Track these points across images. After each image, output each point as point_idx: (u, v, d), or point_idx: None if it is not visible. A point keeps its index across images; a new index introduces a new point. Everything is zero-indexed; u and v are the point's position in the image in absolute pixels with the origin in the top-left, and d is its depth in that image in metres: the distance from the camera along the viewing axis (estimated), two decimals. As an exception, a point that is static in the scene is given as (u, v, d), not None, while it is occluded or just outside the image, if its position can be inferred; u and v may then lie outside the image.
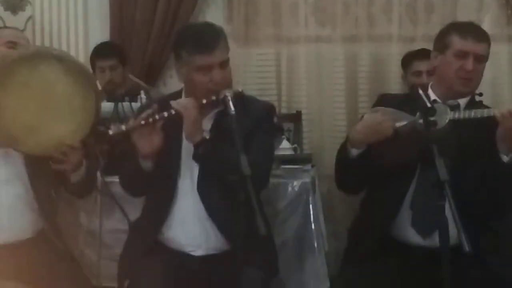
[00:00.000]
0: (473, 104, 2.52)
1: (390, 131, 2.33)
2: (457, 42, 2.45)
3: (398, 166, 2.39)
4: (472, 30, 2.48)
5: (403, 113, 2.39)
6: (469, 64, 2.41)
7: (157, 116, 2.34)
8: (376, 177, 2.44)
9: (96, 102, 2.46)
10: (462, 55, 2.43)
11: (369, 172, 2.43)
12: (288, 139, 3.32)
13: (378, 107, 2.47)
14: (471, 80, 2.44)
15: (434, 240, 2.21)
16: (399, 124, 2.36)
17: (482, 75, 2.50)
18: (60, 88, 2.41)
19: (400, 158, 2.37)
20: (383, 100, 2.61)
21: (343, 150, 2.48)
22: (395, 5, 3.84)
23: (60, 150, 2.43)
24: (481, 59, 2.45)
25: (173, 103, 2.37)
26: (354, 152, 2.41)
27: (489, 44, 2.49)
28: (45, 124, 2.42)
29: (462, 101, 2.48)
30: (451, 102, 2.41)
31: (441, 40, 2.52)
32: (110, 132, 2.40)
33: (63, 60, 2.46)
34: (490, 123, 2.29)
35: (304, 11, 3.90)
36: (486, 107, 2.55)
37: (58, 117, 2.42)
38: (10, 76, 2.40)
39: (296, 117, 3.65)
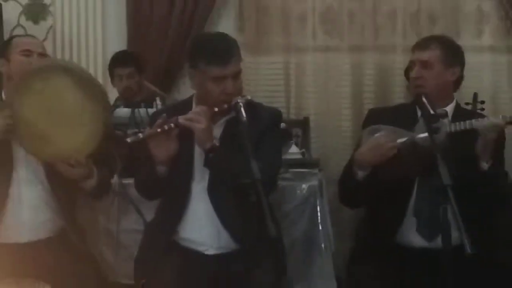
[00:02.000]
0: (458, 110, 2.57)
1: (394, 151, 2.35)
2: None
3: (400, 179, 2.40)
4: (418, 42, 2.59)
5: (398, 129, 2.42)
6: (414, 72, 2.52)
7: (172, 124, 2.34)
8: (380, 192, 2.45)
9: (104, 116, 2.45)
10: (412, 65, 2.55)
11: (374, 190, 2.45)
12: (296, 144, 3.31)
13: (375, 126, 2.47)
14: (419, 85, 2.49)
15: (438, 243, 2.20)
16: (399, 140, 2.37)
17: (440, 77, 2.50)
18: (70, 98, 2.40)
19: (402, 172, 2.38)
20: (374, 116, 2.63)
21: (348, 171, 2.49)
22: (400, 16, 3.85)
23: (68, 161, 2.43)
24: (426, 65, 2.49)
25: (185, 116, 2.36)
26: (361, 174, 2.42)
27: (438, 48, 2.51)
28: (56, 135, 2.42)
29: (449, 108, 2.52)
30: (440, 110, 2.40)
31: None
32: (128, 140, 2.40)
33: (71, 71, 2.46)
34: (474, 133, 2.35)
35: (312, 21, 3.91)
36: (480, 114, 2.56)
37: (68, 128, 2.42)
38: (25, 88, 2.42)
39: (304, 123, 3.65)
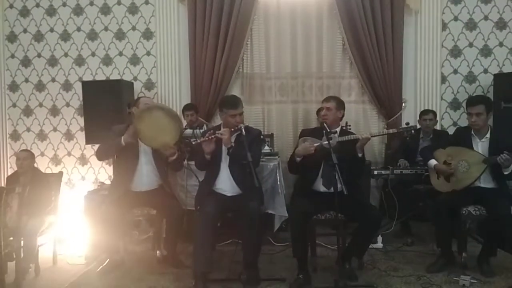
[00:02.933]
0: (343, 131, 2.51)
1: (313, 150, 2.33)
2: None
3: (315, 161, 2.38)
4: (325, 98, 2.50)
5: (315, 139, 2.40)
6: (322, 112, 2.45)
7: (212, 136, 2.34)
8: (306, 166, 2.43)
9: (179, 128, 2.43)
10: (321, 109, 2.48)
11: (303, 166, 2.42)
12: (267, 145, 3.30)
13: (305, 137, 2.44)
14: (326, 119, 2.43)
15: (332, 189, 2.21)
16: (316, 144, 2.36)
17: (334, 115, 2.43)
18: (164, 121, 2.39)
19: (316, 158, 2.36)
20: (304, 132, 2.59)
21: (292, 158, 2.46)
22: (313, 87, 3.81)
23: (164, 148, 2.43)
24: (329, 109, 2.43)
25: (218, 132, 2.36)
26: (298, 159, 2.39)
27: (333, 101, 2.43)
28: (158, 136, 2.40)
29: (338, 129, 2.47)
30: (333, 130, 2.39)
31: None
32: (193, 142, 2.39)
33: (163, 109, 2.45)
34: (354, 141, 2.33)
35: (274, 89, 3.87)
36: (351, 132, 2.54)
37: (162, 134, 2.40)
38: (142, 116, 2.41)
39: (271, 136, 3.63)
